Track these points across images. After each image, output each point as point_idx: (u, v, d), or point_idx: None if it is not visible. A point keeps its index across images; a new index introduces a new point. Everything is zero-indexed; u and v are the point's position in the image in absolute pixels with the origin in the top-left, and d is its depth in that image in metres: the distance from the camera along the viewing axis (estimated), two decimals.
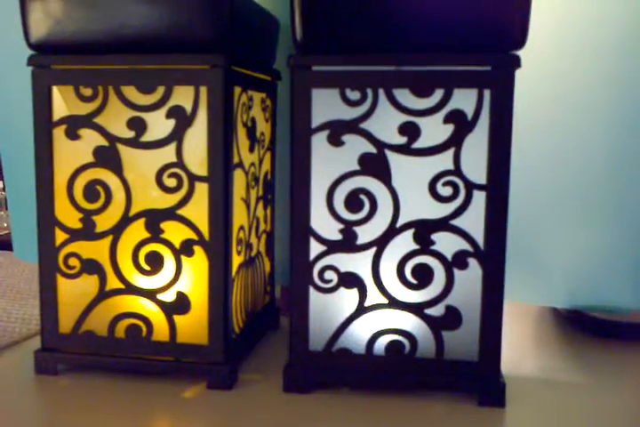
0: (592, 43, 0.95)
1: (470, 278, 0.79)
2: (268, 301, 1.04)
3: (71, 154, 0.83)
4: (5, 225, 1.94)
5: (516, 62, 0.75)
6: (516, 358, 0.94)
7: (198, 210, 0.81)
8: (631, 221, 0.97)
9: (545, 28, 0.95)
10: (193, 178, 0.81)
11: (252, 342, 0.97)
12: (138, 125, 0.81)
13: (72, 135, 0.83)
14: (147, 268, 0.83)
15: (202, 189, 0.81)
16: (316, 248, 0.81)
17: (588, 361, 0.95)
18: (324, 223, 0.80)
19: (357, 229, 0.80)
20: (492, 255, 0.78)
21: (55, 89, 0.82)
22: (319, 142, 0.79)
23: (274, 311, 1.06)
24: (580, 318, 1.06)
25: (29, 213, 1.15)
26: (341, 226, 0.80)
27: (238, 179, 0.86)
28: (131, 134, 0.81)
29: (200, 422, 0.76)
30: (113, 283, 0.84)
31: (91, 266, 0.85)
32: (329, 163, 0.79)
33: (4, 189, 2.01)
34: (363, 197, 0.79)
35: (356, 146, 0.78)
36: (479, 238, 0.78)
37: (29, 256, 1.20)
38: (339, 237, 0.80)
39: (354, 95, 0.78)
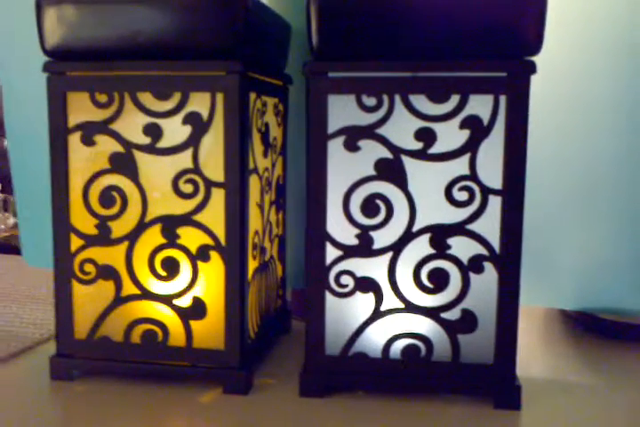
0: (597, 45, 0.96)
1: (486, 282, 0.80)
2: (279, 304, 1.04)
3: (87, 160, 0.83)
4: (2, 227, 1.93)
5: (532, 68, 0.76)
6: (526, 360, 0.95)
7: (214, 215, 0.81)
8: (638, 223, 0.98)
9: (551, 30, 0.95)
10: (209, 184, 0.81)
11: (266, 346, 0.97)
12: (154, 132, 0.81)
13: (87, 141, 0.83)
14: (163, 273, 0.84)
15: (218, 195, 0.81)
16: (332, 253, 0.81)
17: (598, 363, 0.96)
18: (340, 228, 0.81)
19: (374, 233, 0.80)
20: (507, 259, 0.78)
21: (70, 95, 0.83)
22: (335, 148, 0.79)
23: (285, 315, 1.06)
24: (588, 319, 1.07)
25: (39, 218, 1.16)
26: (358, 231, 0.80)
27: (253, 184, 0.86)
28: (147, 140, 0.82)
29: None
30: (129, 288, 0.85)
31: (106, 272, 0.85)
32: (345, 168, 0.80)
33: (2, 191, 2.01)
34: (379, 202, 0.80)
35: (372, 151, 0.79)
36: (495, 243, 0.79)
37: (39, 261, 1.20)
38: (355, 241, 0.81)
39: (370, 101, 0.78)
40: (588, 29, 0.96)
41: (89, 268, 0.85)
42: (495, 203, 0.78)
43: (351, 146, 0.79)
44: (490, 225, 0.78)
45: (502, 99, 0.76)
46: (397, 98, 0.77)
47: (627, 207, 0.98)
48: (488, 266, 0.79)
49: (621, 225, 0.98)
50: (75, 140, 0.83)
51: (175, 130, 0.81)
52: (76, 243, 0.85)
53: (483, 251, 0.79)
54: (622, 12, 0.94)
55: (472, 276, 0.80)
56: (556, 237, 1.02)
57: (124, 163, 0.82)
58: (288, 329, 1.07)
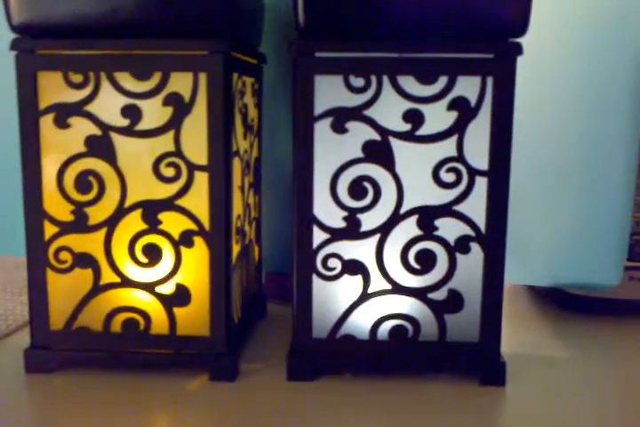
0: (570, 26, 0.98)
1: (472, 262, 0.81)
2: (257, 288, 1.03)
3: (61, 143, 0.79)
4: None
5: (518, 50, 0.76)
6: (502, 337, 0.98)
7: (198, 200, 0.79)
8: (609, 198, 1.00)
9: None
10: (192, 167, 0.79)
11: (248, 331, 0.96)
12: (133, 113, 0.78)
13: (61, 124, 0.79)
14: (144, 260, 0.81)
15: (201, 179, 0.79)
16: (319, 236, 0.80)
17: (572, 337, 0.99)
18: (327, 211, 0.80)
19: (361, 216, 0.80)
20: (493, 239, 0.80)
21: (41, 75, 0.78)
22: (322, 130, 0.78)
23: (262, 299, 1.05)
24: (559, 295, 1.11)
25: (4, 200, 1.11)
26: (345, 213, 0.80)
27: (235, 167, 0.84)
28: (125, 122, 0.78)
29: (207, 415, 0.75)
30: (108, 277, 0.82)
31: (84, 260, 0.81)
32: (332, 150, 0.79)
33: None
34: (366, 184, 0.79)
35: (359, 133, 0.78)
36: (481, 223, 0.80)
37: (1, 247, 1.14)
38: (342, 224, 0.80)
39: (358, 82, 0.77)
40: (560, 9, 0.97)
41: (65, 256, 0.82)
42: (481, 184, 0.79)
43: (338, 128, 0.78)
44: (476, 206, 0.79)
45: (489, 80, 0.77)
46: (385, 79, 0.77)
47: (598, 184, 1.00)
48: (474, 246, 0.80)
49: (592, 202, 1.01)
50: (47, 122, 0.79)
51: (155, 111, 0.78)
52: (50, 230, 0.81)
53: (469, 231, 0.80)
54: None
55: (458, 256, 0.80)
56: (527, 214, 1.04)
57: (100, 146, 0.79)
58: (265, 313, 1.06)
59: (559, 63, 0.99)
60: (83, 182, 0.80)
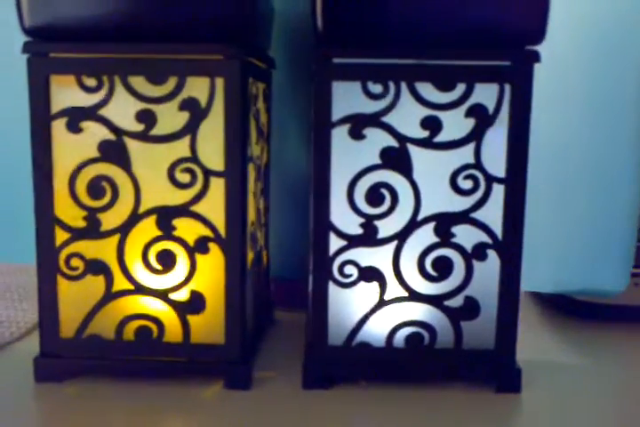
0: (573, 38, 0.98)
1: (488, 269, 0.80)
2: (266, 295, 1.02)
3: (73, 148, 0.78)
4: None
5: (535, 57, 0.76)
6: None
7: (213, 206, 0.78)
8: (614, 204, 1.01)
9: None
10: (208, 173, 0.78)
11: (259, 338, 0.95)
12: (147, 118, 0.77)
13: (74, 128, 0.78)
14: (158, 267, 0.80)
15: (217, 185, 0.78)
16: (335, 243, 0.80)
17: (580, 344, 0.99)
18: (344, 218, 0.79)
19: (378, 222, 0.79)
20: (510, 246, 0.80)
21: (54, 78, 0.77)
22: (340, 136, 0.78)
23: (270, 306, 1.04)
24: (565, 301, 1.11)
25: (3, 207, 1.09)
26: (362, 220, 0.79)
27: (250, 173, 0.83)
28: (140, 127, 0.77)
29: (222, 424, 0.73)
30: (121, 283, 0.80)
31: (96, 266, 0.80)
32: (350, 157, 0.78)
33: None
34: (384, 190, 0.79)
35: (377, 140, 0.78)
36: (498, 230, 0.80)
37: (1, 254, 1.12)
38: (359, 231, 0.80)
39: (376, 88, 0.77)
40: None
41: (76, 262, 0.80)
42: (498, 191, 0.79)
43: (356, 134, 0.78)
44: (493, 213, 0.79)
45: (507, 87, 0.77)
46: (404, 85, 0.76)
47: (603, 189, 1.01)
48: (491, 253, 0.80)
49: (597, 207, 1.01)
50: (59, 126, 0.78)
51: (171, 116, 0.77)
52: (61, 236, 0.80)
53: (486, 239, 0.80)
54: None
55: (475, 263, 0.80)
56: (532, 220, 1.04)
57: (114, 151, 0.78)
58: (273, 320, 1.05)
59: (566, 70, 0.99)
60: (95, 188, 0.78)
